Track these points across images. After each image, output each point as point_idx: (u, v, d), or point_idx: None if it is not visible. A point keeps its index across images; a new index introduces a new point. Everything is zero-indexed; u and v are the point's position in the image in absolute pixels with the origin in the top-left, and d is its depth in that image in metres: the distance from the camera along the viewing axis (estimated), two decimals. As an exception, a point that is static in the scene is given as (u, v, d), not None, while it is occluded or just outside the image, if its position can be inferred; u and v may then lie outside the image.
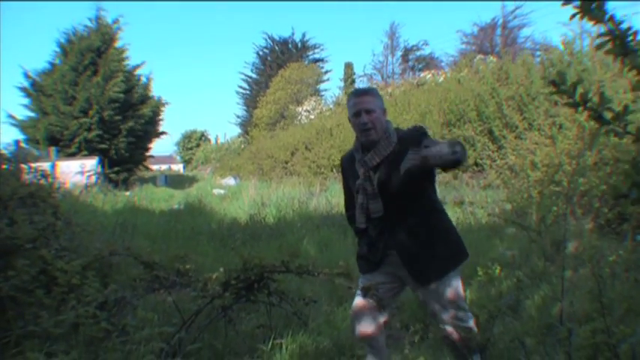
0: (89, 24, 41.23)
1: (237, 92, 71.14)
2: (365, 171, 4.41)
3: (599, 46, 2.40)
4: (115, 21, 42.21)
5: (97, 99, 37.73)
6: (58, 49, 40.64)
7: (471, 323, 4.34)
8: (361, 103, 4.36)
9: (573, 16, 2.42)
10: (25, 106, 40.04)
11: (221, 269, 5.15)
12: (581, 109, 2.41)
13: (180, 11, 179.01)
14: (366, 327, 4.55)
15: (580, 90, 2.40)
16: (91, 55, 39.29)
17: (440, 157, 3.73)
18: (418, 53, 63.60)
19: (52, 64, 40.30)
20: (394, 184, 4.28)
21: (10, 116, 39.65)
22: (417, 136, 4.22)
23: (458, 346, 4.38)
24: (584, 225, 9.92)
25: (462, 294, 4.47)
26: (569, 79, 2.40)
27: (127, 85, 40.55)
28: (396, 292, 4.67)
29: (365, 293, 4.42)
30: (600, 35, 2.39)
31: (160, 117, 47.18)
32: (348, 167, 4.69)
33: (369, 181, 4.39)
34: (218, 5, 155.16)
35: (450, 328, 4.35)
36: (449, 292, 4.36)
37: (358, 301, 4.58)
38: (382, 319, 4.55)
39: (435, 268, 4.34)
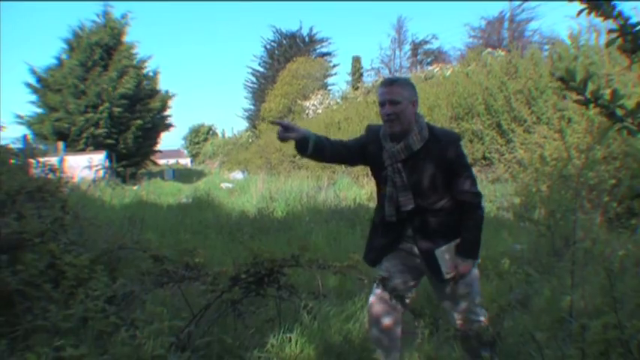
0: (97, 19, 41.33)
1: (245, 86, 71.18)
2: (393, 163, 4.37)
3: (609, 43, 2.36)
4: (124, 16, 42.27)
5: (108, 95, 37.73)
6: (65, 45, 40.72)
7: (483, 318, 4.32)
8: (387, 94, 4.30)
9: (580, 12, 2.39)
10: (32, 102, 40.14)
11: (231, 263, 5.14)
12: (592, 106, 2.37)
13: (188, 5, 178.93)
14: (382, 323, 4.54)
15: (590, 87, 2.36)
16: (100, 50, 39.32)
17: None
18: (426, 47, 63.56)
19: (59, 60, 40.33)
20: (422, 180, 4.28)
21: (17, 116, 39.73)
22: (453, 144, 4.29)
23: (469, 340, 4.36)
24: (594, 219, 9.89)
25: (477, 289, 4.46)
26: (577, 74, 2.37)
27: (136, 80, 40.56)
28: (415, 283, 4.65)
29: (381, 284, 4.42)
30: (610, 31, 2.35)
31: (168, 111, 47.29)
32: (372, 141, 4.58)
33: (399, 174, 4.35)
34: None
35: (462, 322, 4.34)
36: (465, 287, 4.35)
37: (374, 297, 4.58)
38: (399, 312, 4.54)
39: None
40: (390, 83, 4.41)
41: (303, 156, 4.59)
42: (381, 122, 4.46)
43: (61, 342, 4.12)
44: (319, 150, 4.51)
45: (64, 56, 40.41)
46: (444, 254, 4.30)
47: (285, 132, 4.36)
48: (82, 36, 40.14)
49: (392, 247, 4.56)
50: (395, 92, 4.27)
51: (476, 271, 4.46)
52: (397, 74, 54.90)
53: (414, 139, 4.25)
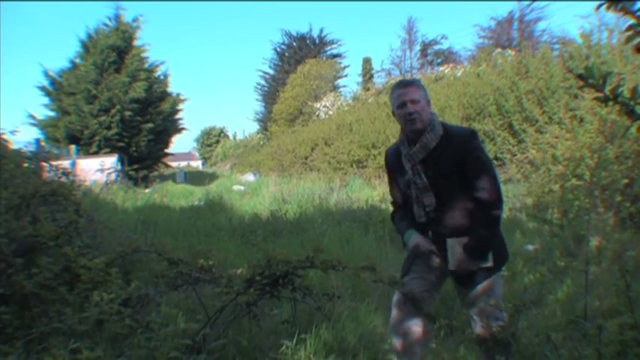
0: (109, 23, 41.45)
1: (256, 89, 71.23)
2: (412, 165, 4.42)
3: (628, 39, 2.33)
4: (135, 20, 42.40)
5: (120, 98, 37.86)
6: (79, 49, 40.91)
7: (502, 323, 4.30)
8: (406, 94, 4.36)
9: (598, 7, 2.35)
10: (45, 105, 40.29)
11: (245, 265, 5.16)
12: (611, 103, 2.34)
13: (198, 8, 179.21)
14: (401, 331, 4.54)
15: (610, 84, 2.34)
16: (114, 54, 39.45)
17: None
18: (436, 47, 63.54)
19: (73, 63, 40.47)
20: (441, 178, 4.31)
21: (30, 116, 39.90)
22: (466, 140, 4.31)
23: (486, 341, 4.35)
24: (607, 219, 9.86)
25: (500, 292, 4.44)
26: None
27: (147, 83, 40.66)
28: (436, 290, 4.66)
29: (407, 298, 4.42)
30: (628, 28, 2.32)
31: (179, 114, 47.45)
32: (394, 161, 4.69)
33: (418, 175, 4.39)
34: (235, 2, 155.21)
35: (483, 327, 4.32)
36: (489, 291, 4.33)
37: (396, 305, 4.58)
38: (420, 317, 4.53)
39: (479, 272, 4.32)
40: (406, 84, 4.47)
41: None
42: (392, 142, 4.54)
43: (76, 345, 4.14)
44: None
45: (77, 59, 40.56)
46: (455, 246, 4.30)
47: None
48: (96, 39, 40.30)
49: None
50: (414, 92, 4.35)
51: (499, 275, 4.45)
52: (408, 75, 55.01)
53: (429, 137, 4.30)
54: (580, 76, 2.37)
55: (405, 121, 4.37)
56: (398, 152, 4.58)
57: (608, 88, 2.33)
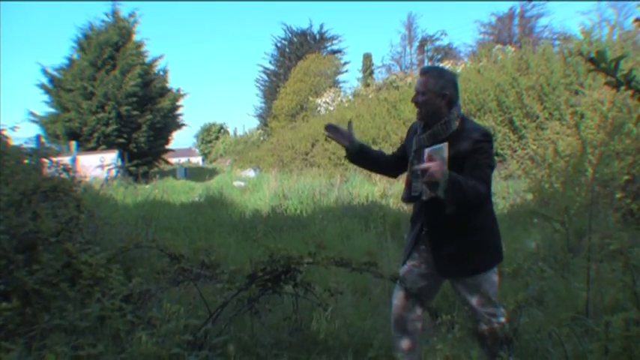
0: (106, 19, 41.51)
1: (256, 84, 71.18)
2: (418, 149, 4.39)
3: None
4: (132, 14, 42.40)
5: (114, 94, 37.85)
6: (75, 45, 40.91)
7: (502, 319, 4.28)
8: (418, 83, 4.39)
9: None
10: (46, 102, 40.38)
11: (247, 261, 5.14)
12: (623, 88, 2.31)
13: (198, 4, 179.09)
14: (403, 324, 4.54)
15: (622, 68, 2.31)
16: (109, 49, 39.46)
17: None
18: (436, 43, 63.48)
19: (70, 60, 40.51)
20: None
21: (31, 113, 39.97)
22: (475, 139, 4.19)
23: (486, 339, 4.33)
24: (608, 216, 9.85)
25: (494, 289, 4.40)
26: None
27: (145, 79, 40.66)
28: (437, 285, 4.64)
29: (402, 283, 4.43)
30: (637, 20, 2.30)
31: (179, 110, 47.43)
32: (410, 134, 4.68)
33: (417, 160, 4.35)
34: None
35: (482, 323, 4.30)
36: (479, 288, 4.30)
37: (396, 298, 4.57)
38: (419, 311, 4.53)
39: (459, 266, 4.35)
40: (422, 73, 4.46)
41: (349, 160, 4.89)
42: None
43: (78, 341, 4.13)
44: (363, 155, 4.84)
45: (75, 56, 40.60)
46: (443, 151, 3.96)
47: (334, 134, 4.75)
48: (92, 36, 40.33)
49: (415, 243, 4.55)
50: (423, 83, 4.33)
51: (492, 273, 4.42)
52: (408, 71, 54.92)
53: (440, 128, 4.26)
54: (591, 60, 2.34)
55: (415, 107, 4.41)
56: (415, 132, 4.56)
57: (620, 73, 2.30)
